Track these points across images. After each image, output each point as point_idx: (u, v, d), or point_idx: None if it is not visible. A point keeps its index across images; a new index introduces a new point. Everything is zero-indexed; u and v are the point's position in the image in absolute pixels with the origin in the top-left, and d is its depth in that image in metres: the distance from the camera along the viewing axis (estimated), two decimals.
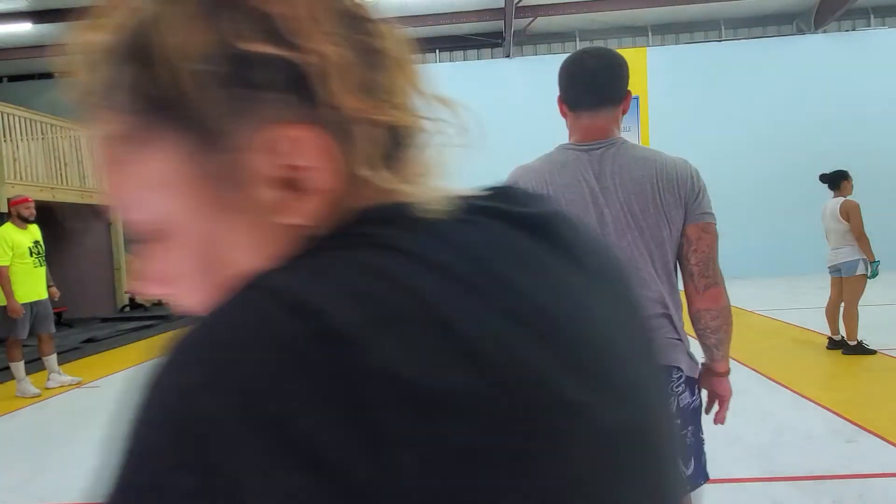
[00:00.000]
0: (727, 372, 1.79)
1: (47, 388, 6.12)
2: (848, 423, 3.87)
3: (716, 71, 12.99)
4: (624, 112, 1.68)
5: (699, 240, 1.63)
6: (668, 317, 1.63)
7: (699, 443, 1.75)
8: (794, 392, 4.58)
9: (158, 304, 13.04)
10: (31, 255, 5.84)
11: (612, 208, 1.57)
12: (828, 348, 5.84)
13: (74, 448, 4.27)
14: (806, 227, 12.39)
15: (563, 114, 1.75)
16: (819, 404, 4.25)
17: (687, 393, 1.69)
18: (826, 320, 5.91)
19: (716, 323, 1.73)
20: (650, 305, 1.58)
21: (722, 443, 3.67)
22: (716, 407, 1.83)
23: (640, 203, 1.57)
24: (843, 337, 5.72)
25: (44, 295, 6.08)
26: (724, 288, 1.71)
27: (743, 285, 11.42)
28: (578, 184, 1.61)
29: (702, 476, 1.76)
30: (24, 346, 6.04)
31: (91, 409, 5.34)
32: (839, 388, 4.70)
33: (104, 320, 11.28)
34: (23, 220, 5.89)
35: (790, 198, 12.81)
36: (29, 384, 6.02)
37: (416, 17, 12.53)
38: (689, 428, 1.71)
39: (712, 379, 1.79)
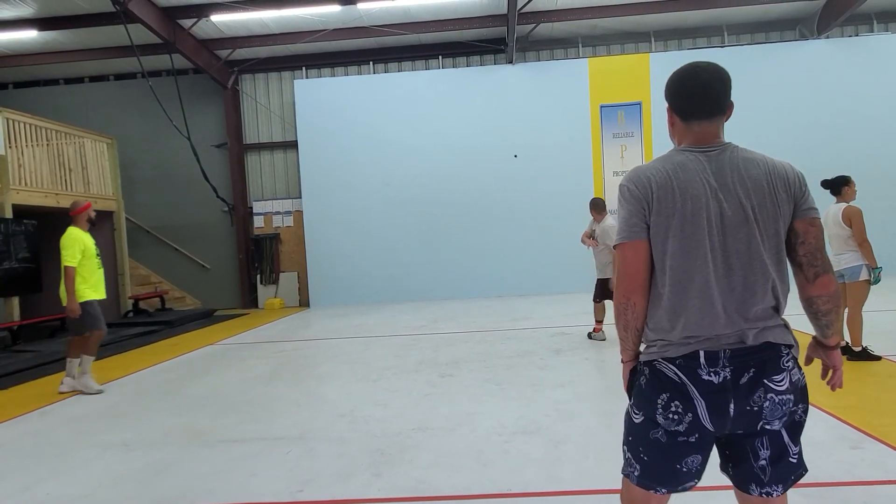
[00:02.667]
0: (838, 344, 1.98)
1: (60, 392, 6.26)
2: (853, 429, 3.86)
3: None
4: (727, 119, 1.93)
5: (806, 233, 1.81)
6: (777, 308, 1.83)
7: (803, 425, 1.83)
8: None
9: (162, 309, 13.08)
10: (97, 256, 6.37)
11: (731, 203, 1.75)
12: None
13: (78, 453, 4.28)
14: None
15: (672, 123, 1.95)
16: (824, 410, 4.24)
17: (797, 369, 1.81)
18: None
19: (827, 307, 1.88)
20: (763, 294, 1.77)
21: None
22: (830, 374, 2.00)
23: (757, 199, 1.76)
24: (847, 343, 5.70)
25: (104, 294, 6.52)
26: (833, 273, 1.86)
27: None
28: (700, 181, 1.78)
29: (804, 466, 1.86)
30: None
31: (94, 415, 5.35)
32: (844, 395, 4.67)
33: (107, 325, 11.26)
34: (90, 224, 6.40)
35: None
36: (92, 380, 6.26)
37: (420, 24, 12.59)
38: (801, 406, 1.80)
39: (827, 351, 1.97)
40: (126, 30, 10.85)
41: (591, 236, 7.49)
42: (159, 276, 14.31)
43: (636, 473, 1.87)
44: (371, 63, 13.95)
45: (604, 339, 7.29)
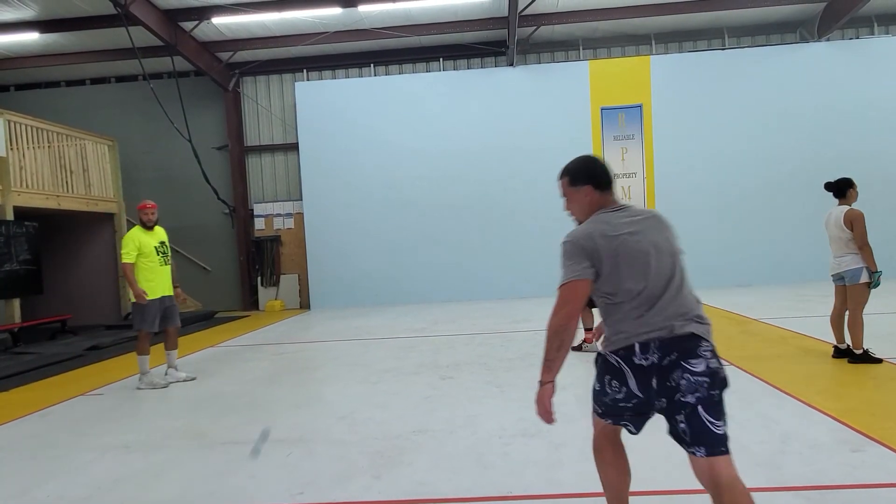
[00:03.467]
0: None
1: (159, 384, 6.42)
2: (854, 432, 3.85)
3: (719, 79, 13.01)
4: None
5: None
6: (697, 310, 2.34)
7: (721, 405, 2.24)
8: (800, 401, 4.55)
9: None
10: (158, 255, 6.45)
11: (657, 242, 2.38)
12: (833, 357, 5.80)
13: (78, 455, 4.28)
14: (810, 234, 12.33)
15: (584, 195, 2.53)
16: (825, 413, 4.23)
17: (715, 360, 2.25)
18: (831, 329, 5.88)
19: None
20: (694, 306, 2.34)
21: None
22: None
23: (669, 237, 2.43)
24: (848, 345, 5.69)
25: (170, 291, 6.59)
26: None
27: (748, 293, 11.40)
28: (626, 231, 2.37)
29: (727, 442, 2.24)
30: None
31: (94, 417, 5.35)
32: (845, 397, 4.67)
33: (108, 328, 11.30)
34: (145, 225, 6.48)
35: (793, 205, 12.79)
36: (155, 376, 6.37)
37: (421, 26, 12.61)
38: (717, 391, 2.22)
39: None
40: (127, 32, 10.86)
41: None
42: None
43: (599, 412, 2.56)
44: (372, 65, 13.97)
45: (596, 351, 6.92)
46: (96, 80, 14.56)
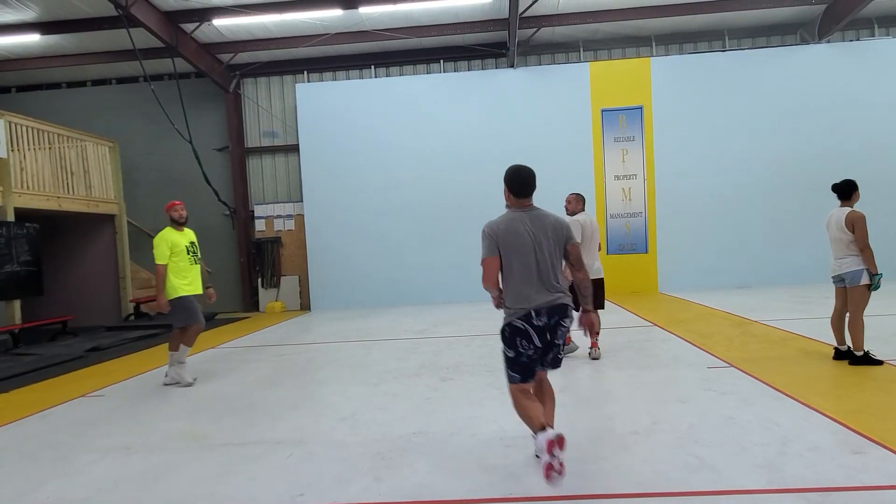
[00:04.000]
0: (590, 311, 3.76)
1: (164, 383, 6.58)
2: (855, 434, 3.84)
3: (720, 80, 13.02)
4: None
5: (571, 250, 3.66)
6: (564, 288, 3.59)
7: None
8: (801, 402, 4.55)
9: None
10: (188, 254, 6.60)
11: (539, 239, 3.56)
12: (834, 359, 5.80)
13: (78, 456, 4.27)
14: (810, 235, 12.36)
15: (508, 195, 3.71)
16: (826, 415, 4.22)
17: (569, 319, 3.59)
18: (832, 330, 5.88)
19: (584, 285, 3.70)
20: (563, 284, 3.60)
21: (728, 453, 3.65)
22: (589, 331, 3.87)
23: (550, 234, 3.58)
24: (849, 347, 5.69)
25: (199, 290, 6.71)
26: (584, 268, 3.72)
27: (748, 294, 11.40)
28: (523, 226, 3.58)
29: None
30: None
31: (95, 418, 5.35)
32: (846, 399, 4.66)
33: (109, 329, 11.30)
34: (176, 224, 6.60)
35: (794, 206, 12.79)
36: (186, 372, 6.53)
37: (421, 28, 12.62)
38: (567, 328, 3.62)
39: (587, 314, 3.75)
40: (128, 33, 10.87)
41: None
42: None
43: (518, 378, 3.59)
44: (372, 67, 13.98)
45: (575, 350, 6.89)
46: (97, 82, 14.58)
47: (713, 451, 3.69)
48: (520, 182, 3.62)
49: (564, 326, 3.56)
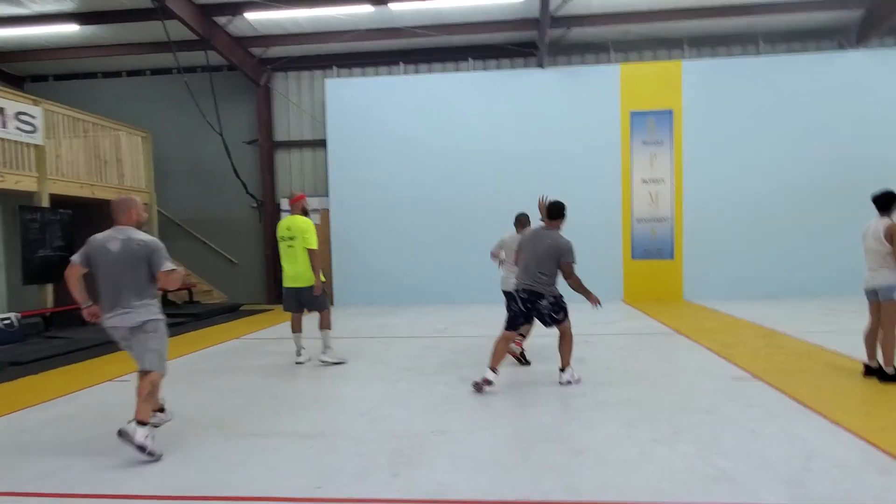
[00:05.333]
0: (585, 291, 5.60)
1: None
2: (883, 453, 3.76)
3: (753, 85, 12.79)
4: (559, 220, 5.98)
5: (566, 268, 5.62)
6: (548, 280, 5.66)
7: (555, 315, 5.69)
8: (827, 418, 4.46)
9: (189, 302, 13.29)
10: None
11: (537, 247, 5.73)
12: (864, 375, 5.67)
13: (103, 440, 4.37)
14: (842, 246, 12.08)
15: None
16: (852, 432, 4.13)
17: (552, 297, 5.66)
18: (864, 345, 5.73)
19: (573, 286, 5.61)
20: (539, 276, 5.66)
21: (750, 466, 3.59)
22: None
23: (540, 247, 5.70)
24: (879, 364, 5.56)
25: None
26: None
27: (776, 306, 11.19)
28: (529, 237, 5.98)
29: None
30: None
31: (121, 403, 5.45)
32: (874, 417, 4.56)
33: None
34: (304, 213, 7.24)
35: (826, 216, 12.52)
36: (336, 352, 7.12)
37: (451, 26, 12.61)
38: (554, 308, 5.65)
39: (587, 296, 5.66)
40: (164, 26, 11.06)
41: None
42: (188, 269, 14.52)
43: (507, 326, 5.79)
44: (401, 63, 14.01)
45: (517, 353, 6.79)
46: (132, 73, 14.84)
47: (735, 464, 3.64)
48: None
49: (542, 305, 5.63)
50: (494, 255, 7.52)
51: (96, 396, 5.77)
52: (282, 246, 7.12)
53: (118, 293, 4.18)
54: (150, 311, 4.22)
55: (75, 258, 4.23)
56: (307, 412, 5.06)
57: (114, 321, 4.20)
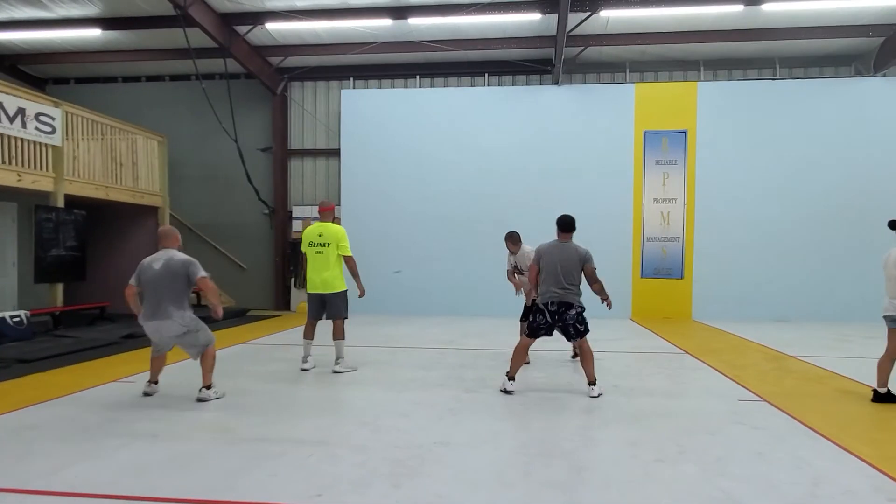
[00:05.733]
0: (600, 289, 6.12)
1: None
2: (892, 481, 3.69)
3: (768, 109, 12.77)
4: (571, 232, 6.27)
5: (589, 271, 6.10)
6: (577, 288, 6.05)
7: (578, 327, 6.03)
8: (835, 443, 4.39)
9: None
10: None
11: (564, 258, 6.07)
12: (873, 401, 5.59)
13: (106, 441, 4.38)
14: (854, 271, 11.99)
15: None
16: (861, 458, 4.07)
17: (578, 308, 6.02)
18: (877, 371, 5.65)
19: (596, 289, 6.05)
20: (571, 286, 6.04)
21: (755, 489, 3.54)
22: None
23: (568, 256, 6.06)
24: (889, 390, 5.47)
25: None
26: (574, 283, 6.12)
27: (786, 329, 11.07)
28: (554, 250, 6.13)
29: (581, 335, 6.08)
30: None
31: (125, 404, 5.47)
32: (884, 444, 4.48)
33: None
34: (336, 220, 7.33)
35: (839, 241, 12.43)
36: (348, 361, 7.20)
37: (468, 41, 12.71)
38: (579, 318, 6.02)
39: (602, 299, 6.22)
40: (185, 33, 11.23)
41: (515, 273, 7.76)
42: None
43: (525, 333, 6.23)
44: (417, 77, 14.12)
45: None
46: (151, 78, 15.05)
47: (740, 486, 3.59)
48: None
49: (569, 315, 5.96)
50: (512, 279, 8.04)
51: (101, 396, 5.79)
52: (310, 252, 7.08)
53: (158, 302, 5.39)
54: (185, 318, 5.50)
55: (132, 281, 5.50)
56: (310, 419, 5.05)
57: (155, 325, 5.45)
